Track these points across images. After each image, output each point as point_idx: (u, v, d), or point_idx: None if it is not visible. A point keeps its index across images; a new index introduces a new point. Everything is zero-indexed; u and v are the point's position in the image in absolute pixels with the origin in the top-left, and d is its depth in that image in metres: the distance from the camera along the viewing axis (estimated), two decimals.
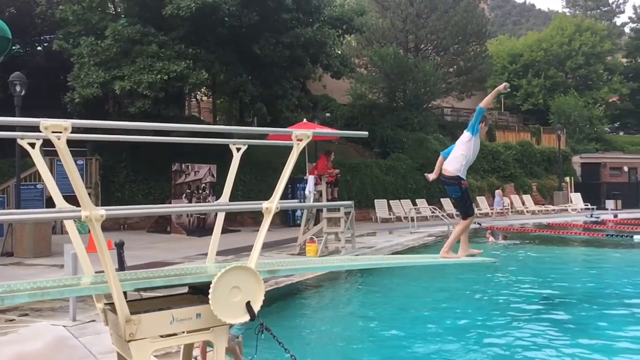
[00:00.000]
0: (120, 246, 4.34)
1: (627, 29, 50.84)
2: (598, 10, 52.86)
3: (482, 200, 26.17)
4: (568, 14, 52.03)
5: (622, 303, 8.86)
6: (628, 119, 46.10)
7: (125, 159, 18.76)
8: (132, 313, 3.01)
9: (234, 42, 18.61)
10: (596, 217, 23.93)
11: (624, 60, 47.07)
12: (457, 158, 5.57)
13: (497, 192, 25.83)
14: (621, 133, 49.52)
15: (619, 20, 53.84)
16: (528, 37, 45.93)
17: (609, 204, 28.25)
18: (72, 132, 2.79)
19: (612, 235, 17.76)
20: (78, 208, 2.89)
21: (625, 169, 34.56)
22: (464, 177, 5.56)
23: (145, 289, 3.50)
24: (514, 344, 6.63)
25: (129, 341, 2.99)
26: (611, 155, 35.47)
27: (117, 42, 16.60)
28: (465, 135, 5.62)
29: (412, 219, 18.78)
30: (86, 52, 16.71)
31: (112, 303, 3.01)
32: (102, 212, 2.81)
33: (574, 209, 28.34)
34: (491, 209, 25.59)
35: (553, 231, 19.67)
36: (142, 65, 16.29)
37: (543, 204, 29.07)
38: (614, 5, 53.04)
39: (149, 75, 16.02)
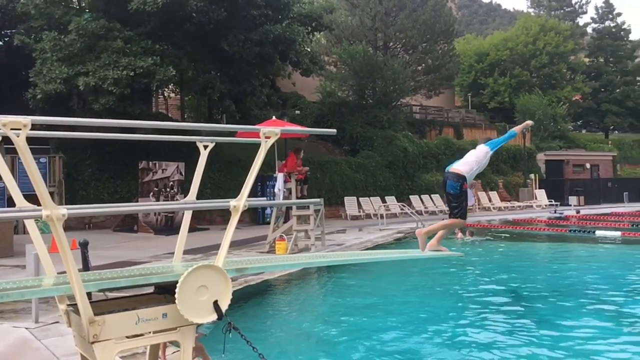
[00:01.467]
0: (84, 246, 4.22)
1: (589, 29, 52.12)
2: (561, 11, 54.01)
3: None
4: (533, 14, 53.05)
5: (585, 295, 9.11)
6: (590, 117, 47.33)
7: (90, 157, 18.37)
8: (96, 314, 2.94)
9: (202, 39, 18.39)
10: (560, 213, 24.49)
11: (586, 59, 48.30)
12: (470, 163, 5.83)
13: (470, 189, 26.19)
14: (583, 131, 50.85)
15: (581, 21, 55.05)
16: (494, 36, 46.75)
17: (572, 200, 28.92)
18: (34, 129, 2.71)
19: (575, 230, 18.21)
20: (38, 207, 2.82)
21: (588, 166, 35.48)
22: (468, 181, 5.72)
23: (110, 290, 3.43)
24: (484, 337, 6.75)
25: (92, 342, 2.93)
26: (574, 153, 36.40)
27: (81, 37, 16.23)
28: (485, 148, 5.93)
29: (382, 216, 18.88)
30: (49, 47, 16.29)
31: (75, 304, 2.94)
32: (64, 211, 2.73)
33: (539, 205, 28.96)
34: None
35: (519, 227, 20.06)
36: (107, 61, 15.97)
37: (509, 201, 29.61)
38: (576, 6, 54.25)
39: (115, 72, 15.71)
